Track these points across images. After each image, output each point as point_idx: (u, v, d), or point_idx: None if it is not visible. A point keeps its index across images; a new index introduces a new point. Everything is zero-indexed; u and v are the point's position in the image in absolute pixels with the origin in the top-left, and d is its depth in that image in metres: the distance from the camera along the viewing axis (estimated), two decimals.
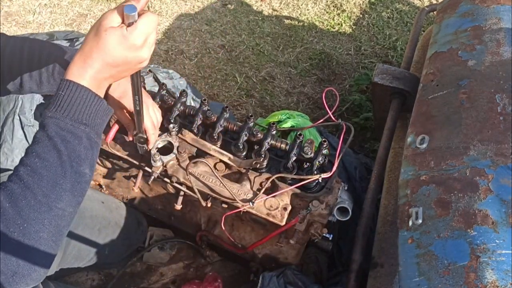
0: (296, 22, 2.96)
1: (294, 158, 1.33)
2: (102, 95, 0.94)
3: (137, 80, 1.02)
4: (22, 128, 1.48)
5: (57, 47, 1.20)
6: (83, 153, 0.90)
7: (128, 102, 1.22)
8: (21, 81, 1.17)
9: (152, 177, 1.34)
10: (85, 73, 0.89)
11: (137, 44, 0.89)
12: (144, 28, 0.89)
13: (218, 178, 1.29)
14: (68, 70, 0.89)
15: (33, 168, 0.85)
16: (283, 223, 1.31)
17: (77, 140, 0.89)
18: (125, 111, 1.24)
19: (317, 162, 1.32)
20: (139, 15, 0.89)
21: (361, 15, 2.99)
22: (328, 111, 1.39)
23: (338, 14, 2.99)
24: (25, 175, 0.85)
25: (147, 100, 1.26)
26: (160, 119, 1.31)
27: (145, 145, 1.29)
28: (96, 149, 0.94)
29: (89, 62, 0.89)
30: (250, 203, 1.29)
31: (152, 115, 1.26)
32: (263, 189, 1.29)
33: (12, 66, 1.15)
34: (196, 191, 1.31)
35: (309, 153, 1.33)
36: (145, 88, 1.48)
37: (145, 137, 1.25)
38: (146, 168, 1.36)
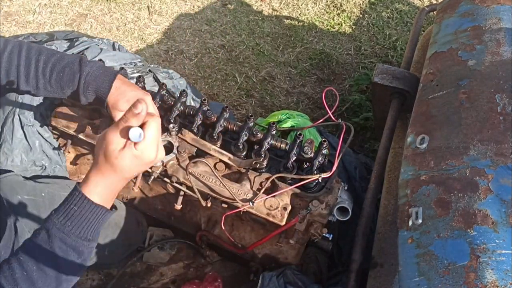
0: (296, 22, 2.96)
1: (294, 158, 1.33)
2: (114, 198, 0.96)
3: None
4: (22, 128, 1.47)
5: (54, 52, 1.21)
6: (79, 265, 0.92)
7: (123, 104, 1.21)
8: (17, 85, 1.18)
9: (152, 177, 1.34)
10: (102, 188, 0.91)
11: (151, 157, 0.92)
12: (152, 140, 0.90)
13: (218, 178, 1.29)
14: (84, 183, 0.91)
15: (29, 275, 0.87)
16: (283, 223, 1.31)
17: (77, 254, 0.91)
18: (121, 113, 1.24)
19: (317, 162, 1.32)
20: (143, 124, 0.90)
21: (361, 15, 2.99)
22: (328, 111, 1.39)
23: (338, 14, 2.99)
24: (20, 279, 0.87)
25: (146, 97, 1.26)
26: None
27: None
28: (93, 249, 0.96)
29: (107, 178, 0.91)
30: (250, 203, 1.29)
31: (152, 111, 1.27)
32: (263, 189, 1.29)
33: (9, 70, 1.16)
34: (196, 191, 1.31)
35: (309, 153, 1.33)
36: (144, 88, 1.48)
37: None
38: (148, 170, 1.36)
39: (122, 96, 1.20)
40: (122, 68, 1.46)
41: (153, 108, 1.28)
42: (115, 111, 1.20)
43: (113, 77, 1.19)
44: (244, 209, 1.31)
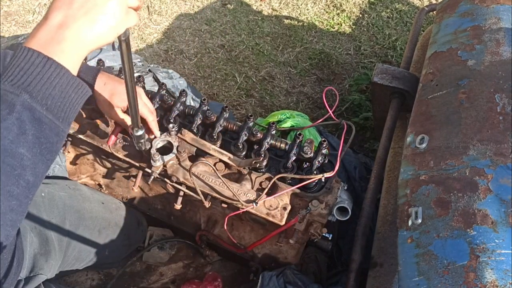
0: (296, 22, 2.96)
1: (294, 157, 1.33)
2: (67, 61, 0.74)
3: (129, 72, 0.94)
4: None
5: None
6: (15, 126, 0.69)
7: (119, 101, 1.21)
8: None
9: (152, 177, 1.34)
10: (36, 32, 0.73)
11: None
12: None
13: (221, 179, 1.29)
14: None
15: None
16: (283, 222, 1.31)
17: (8, 109, 0.69)
18: (118, 110, 1.24)
19: (316, 162, 1.32)
20: None
21: (360, 15, 2.99)
22: (329, 109, 1.39)
23: (338, 14, 3.00)
24: None
25: (137, 89, 1.27)
26: (152, 107, 1.31)
27: (142, 141, 1.23)
28: (47, 127, 0.73)
29: (49, 20, 0.74)
30: (254, 204, 1.28)
31: (146, 102, 1.26)
32: (266, 190, 1.29)
33: None
34: (199, 191, 1.31)
35: (308, 152, 1.33)
36: (144, 88, 1.48)
37: (141, 133, 1.18)
38: (146, 169, 1.36)
39: (113, 93, 1.22)
40: (121, 70, 1.46)
41: (144, 96, 1.27)
42: (109, 107, 1.21)
43: (96, 72, 1.20)
44: (245, 209, 1.31)
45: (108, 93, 1.21)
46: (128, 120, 1.26)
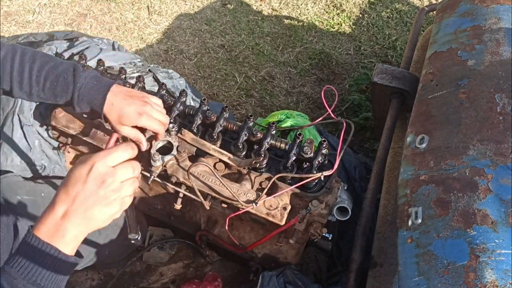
0: (296, 22, 2.96)
1: (294, 157, 1.33)
2: (64, 242, 0.84)
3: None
4: (22, 128, 1.47)
5: (48, 59, 1.19)
6: None
7: (127, 121, 1.19)
8: (11, 90, 1.17)
9: (152, 177, 1.34)
10: (44, 220, 0.84)
11: (82, 172, 0.85)
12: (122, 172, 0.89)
13: (219, 179, 1.29)
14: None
15: None
16: (283, 222, 1.31)
17: None
18: (125, 127, 1.22)
19: (316, 162, 1.32)
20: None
21: (360, 15, 2.99)
22: (328, 108, 1.39)
23: (338, 14, 2.99)
24: None
25: (151, 100, 1.24)
26: (166, 117, 1.28)
27: (135, 241, 1.30)
28: None
29: (51, 209, 0.85)
30: (254, 204, 1.28)
31: (161, 118, 1.25)
32: (265, 190, 1.29)
33: (3, 76, 1.15)
34: (198, 192, 1.31)
35: (308, 152, 1.33)
36: (144, 88, 1.48)
37: (137, 237, 1.26)
38: (145, 173, 1.35)
39: (121, 113, 1.18)
40: (121, 70, 1.46)
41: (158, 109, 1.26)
42: (118, 125, 1.19)
43: (106, 90, 1.17)
44: (245, 209, 1.30)
45: (115, 115, 1.17)
46: (134, 134, 1.23)
